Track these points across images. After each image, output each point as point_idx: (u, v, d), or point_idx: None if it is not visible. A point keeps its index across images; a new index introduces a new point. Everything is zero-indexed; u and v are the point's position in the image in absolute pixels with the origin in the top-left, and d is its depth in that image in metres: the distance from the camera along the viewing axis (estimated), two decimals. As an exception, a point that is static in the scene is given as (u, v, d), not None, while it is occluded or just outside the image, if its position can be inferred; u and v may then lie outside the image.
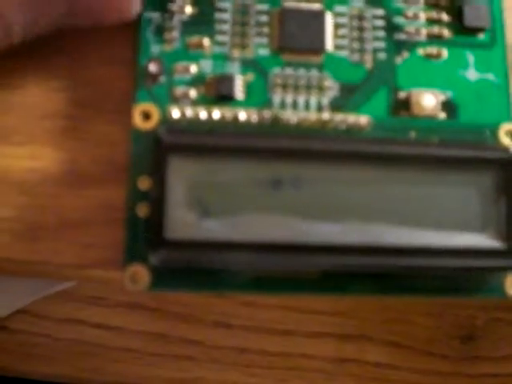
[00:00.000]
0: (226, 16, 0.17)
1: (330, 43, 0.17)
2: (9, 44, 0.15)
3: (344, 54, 0.17)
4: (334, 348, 0.28)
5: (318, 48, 0.16)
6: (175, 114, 0.16)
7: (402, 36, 0.17)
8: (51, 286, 0.24)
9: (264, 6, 0.17)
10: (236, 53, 0.16)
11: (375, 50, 0.17)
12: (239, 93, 0.16)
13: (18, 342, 0.27)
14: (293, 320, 0.28)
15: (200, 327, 0.27)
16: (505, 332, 0.28)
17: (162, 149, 0.14)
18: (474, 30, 0.17)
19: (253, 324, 0.28)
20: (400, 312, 0.28)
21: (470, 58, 0.17)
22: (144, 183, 0.15)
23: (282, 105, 0.16)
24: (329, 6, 0.17)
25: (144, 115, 0.15)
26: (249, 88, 0.16)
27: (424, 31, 0.17)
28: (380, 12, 0.17)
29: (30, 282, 0.24)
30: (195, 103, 0.16)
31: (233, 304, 0.27)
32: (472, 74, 0.17)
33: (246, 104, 0.16)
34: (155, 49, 0.16)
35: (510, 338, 0.28)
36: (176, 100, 0.16)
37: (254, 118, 0.16)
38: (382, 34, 0.17)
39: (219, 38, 0.16)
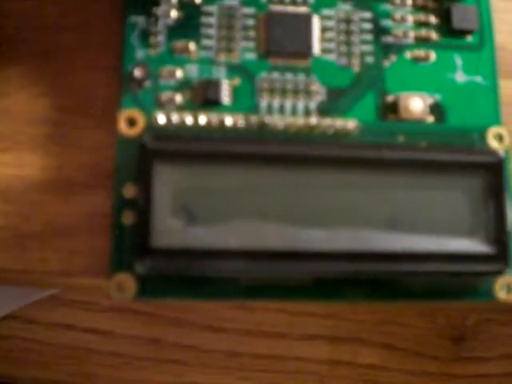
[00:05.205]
0: (212, 20, 0.16)
1: (317, 47, 0.17)
2: None
3: (331, 57, 0.17)
4: (327, 350, 0.28)
5: (305, 52, 0.16)
6: (161, 119, 0.15)
7: (389, 39, 0.17)
8: (36, 292, 0.24)
9: (250, 10, 0.17)
10: (222, 57, 0.16)
11: (363, 54, 0.17)
12: (225, 97, 0.16)
13: (8, 348, 0.27)
14: (285, 323, 0.28)
15: (192, 331, 0.27)
16: (496, 332, 0.28)
17: (147, 156, 0.14)
18: (462, 32, 0.17)
19: (245, 327, 0.28)
20: (392, 314, 0.28)
21: (458, 60, 0.17)
22: (129, 191, 0.15)
23: (269, 109, 0.16)
24: (316, 10, 0.17)
25: (129, 121, 0.15)
26: (235, 93, 0.16)
27: (412, 34, 0.17)
28: (367, 15, 0.17)
29: (13, 289, 0.23)
30: (181, 108, 0.16)
31: (225, 307, 0.27)
32: (460, 77, 0.17)
33: (232, 109, 0.16)
34: (140, 53, 0.16)
35: (501, 339, 0.28)
36: (161, 105, 0.16)
37: (241, 123, 0.16)
38: (369, 37, 0.17)
39: (205, 42, 0.16)
